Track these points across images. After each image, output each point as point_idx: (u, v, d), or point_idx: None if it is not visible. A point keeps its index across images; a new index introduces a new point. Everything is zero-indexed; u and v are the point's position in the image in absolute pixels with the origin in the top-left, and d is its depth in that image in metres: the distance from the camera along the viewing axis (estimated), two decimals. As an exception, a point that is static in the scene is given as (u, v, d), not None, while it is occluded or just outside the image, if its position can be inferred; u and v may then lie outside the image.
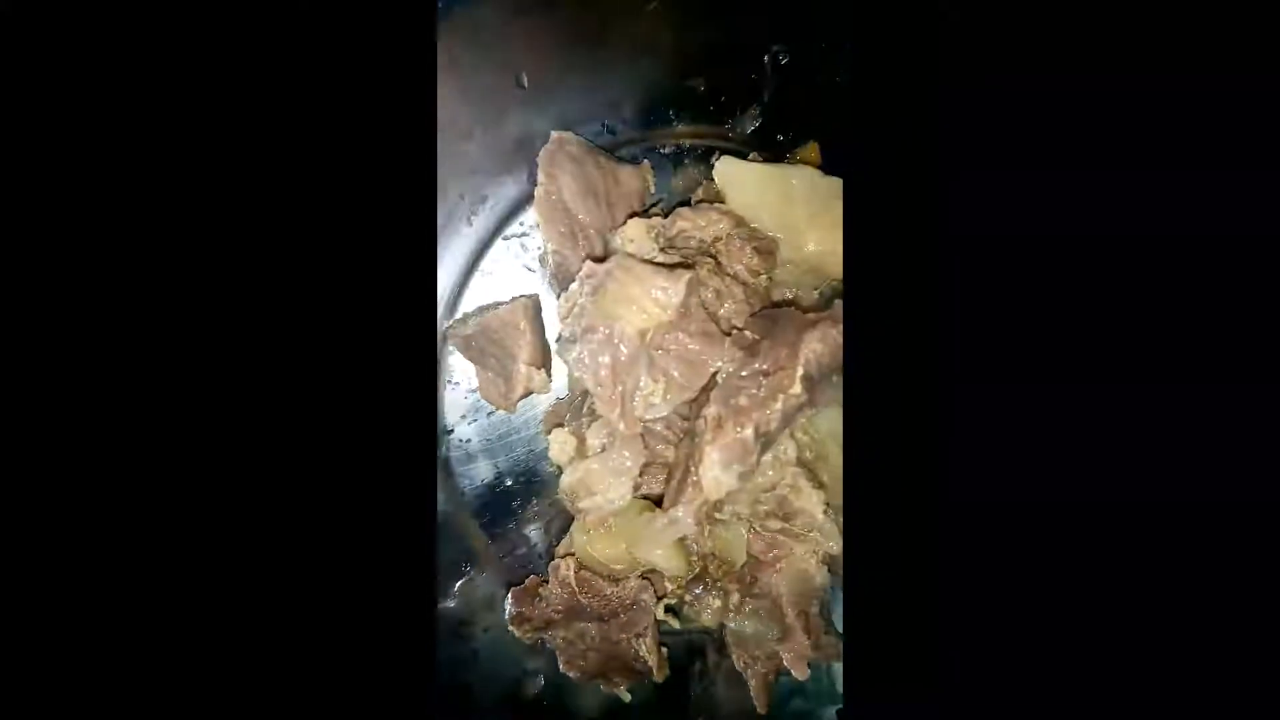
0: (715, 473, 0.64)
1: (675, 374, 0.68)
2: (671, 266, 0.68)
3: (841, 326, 0.66)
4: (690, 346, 0.68)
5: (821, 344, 0.65)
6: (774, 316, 0.71)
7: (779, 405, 0.64)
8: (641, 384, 0.67)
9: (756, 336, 0.68)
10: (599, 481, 0.69)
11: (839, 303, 0.69)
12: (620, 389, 0.67)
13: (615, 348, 0.66)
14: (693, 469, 0.65)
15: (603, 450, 0.69)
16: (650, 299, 0.65)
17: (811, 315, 0.69)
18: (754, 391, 0.65)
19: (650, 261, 0.69)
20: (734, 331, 0.69)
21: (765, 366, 0.65)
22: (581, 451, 0.71)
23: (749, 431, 0.64)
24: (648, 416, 0.69)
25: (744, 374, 0.66)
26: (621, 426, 0.67)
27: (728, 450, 0.64)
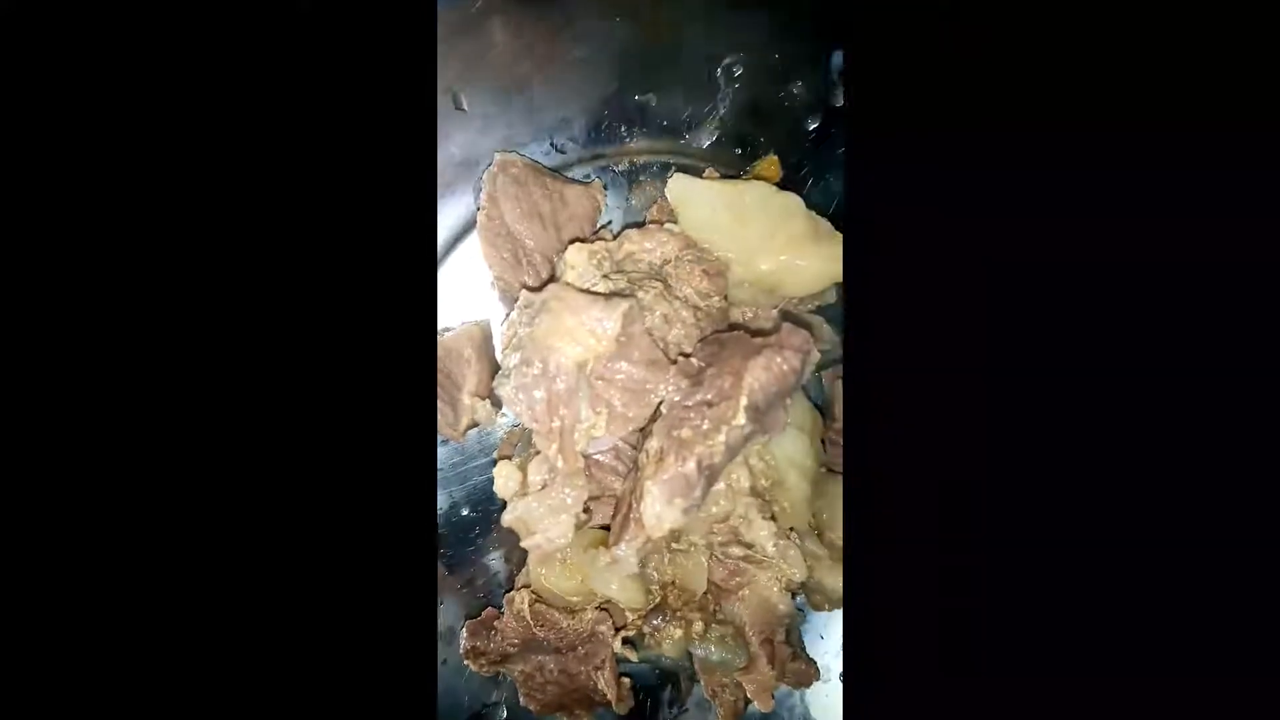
0: (657, 509, 0.62)
1: (618, 404, 0.66)
2: (609, 295, 0.66)
3: (787, 352, 0.63)
4: (634, 375, 0.66)
5: (766, 372, 0.63)
6: (721, 342, 0.69)
7: (722, 437, 0.62)
8: (582, 416, 0.65)
9: (702, 364, 0.66)
10: (539, 520, 0.67)
11: (786, 326, 0.66)
12: (557, 423, 0.64)
13: (551, 381, 0.64)
14: (635, 504, 0.63)
15: (543, 487, 0.66)
16: (585, 330, 0.63)
17: (758, 341, 0.67)
18: (697, 423, 0.63)
19: (588, 291, 0.66)
20: (680, 358, 0.67)
21: (709, 397, 0.63)
22: (524, 486, 0.68)
23: (691, 465, 0.61)
24: (590, 450, 0.66)
25: (688, 404, 0.64)
26: (560, 463, 0.65)
27: (669, 485, 0.62)
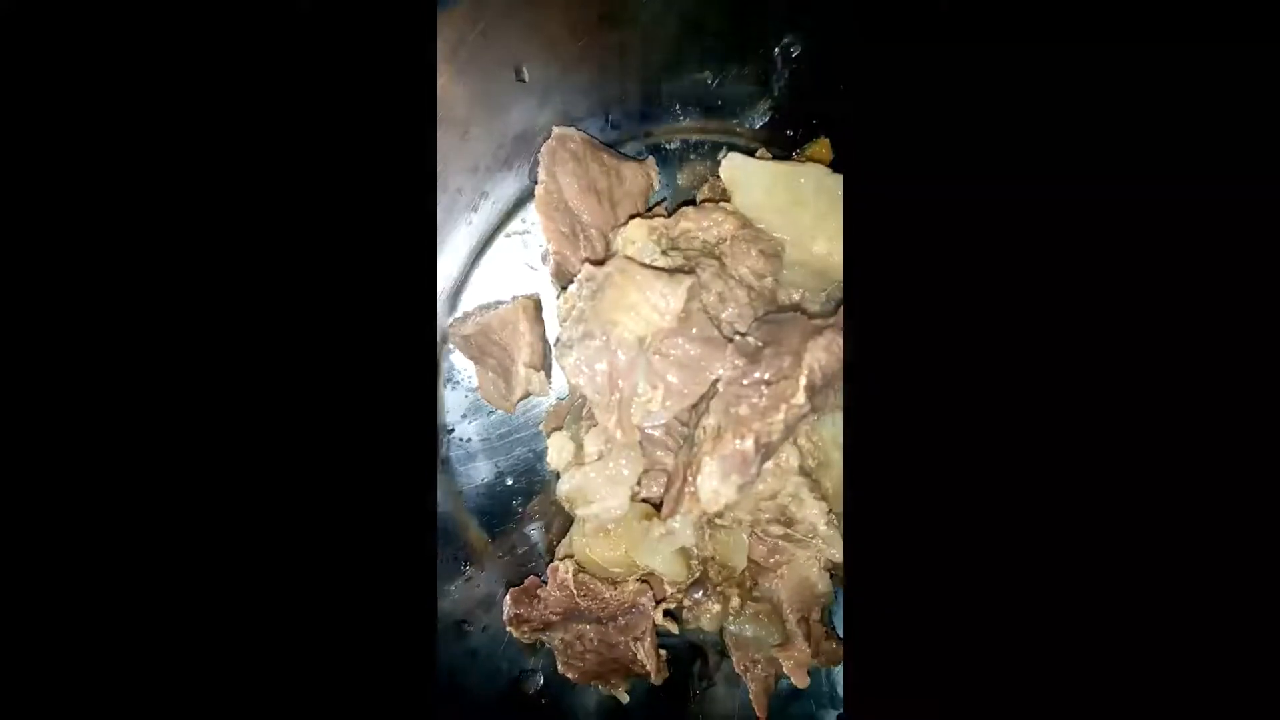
0: (713, 484, 0.62)
1: (674, 380, 0.66)
2: (672, 271, 0.66)
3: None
4: (691, 352, 0.67)
5: (826, 353, 0.63)
6: (778, 321, 0.69)
7: (781, 415, 0.63)
8: (639, 390, 0.66)
9: (759, 343, 0.66)
10: (596, 491, 0.68)
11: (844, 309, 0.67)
12: (617, 396, 0.65)
13: (613, 354, 0.64)
14: (690, 479, 0.64)
15: (600, 458, 0.67)
16: (649, 305, 0.64)
17: (817, 322, 0.67)
18: (755, 400, 0.64)
19: (651, 266, 0.67)
20: (736, 337, 0.67)
21: (768, 375, 0.63)
22: (579, 457, 0.69)
23: (749, 443, 0.62)
24: (646, 424, 0.67)
25: (745, 382, 0.65)
26: (618, 434, 0.66)
27: (726, 461, 0.63)
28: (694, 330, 0.67)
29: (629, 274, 0.64)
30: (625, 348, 0.65)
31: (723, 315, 0.71)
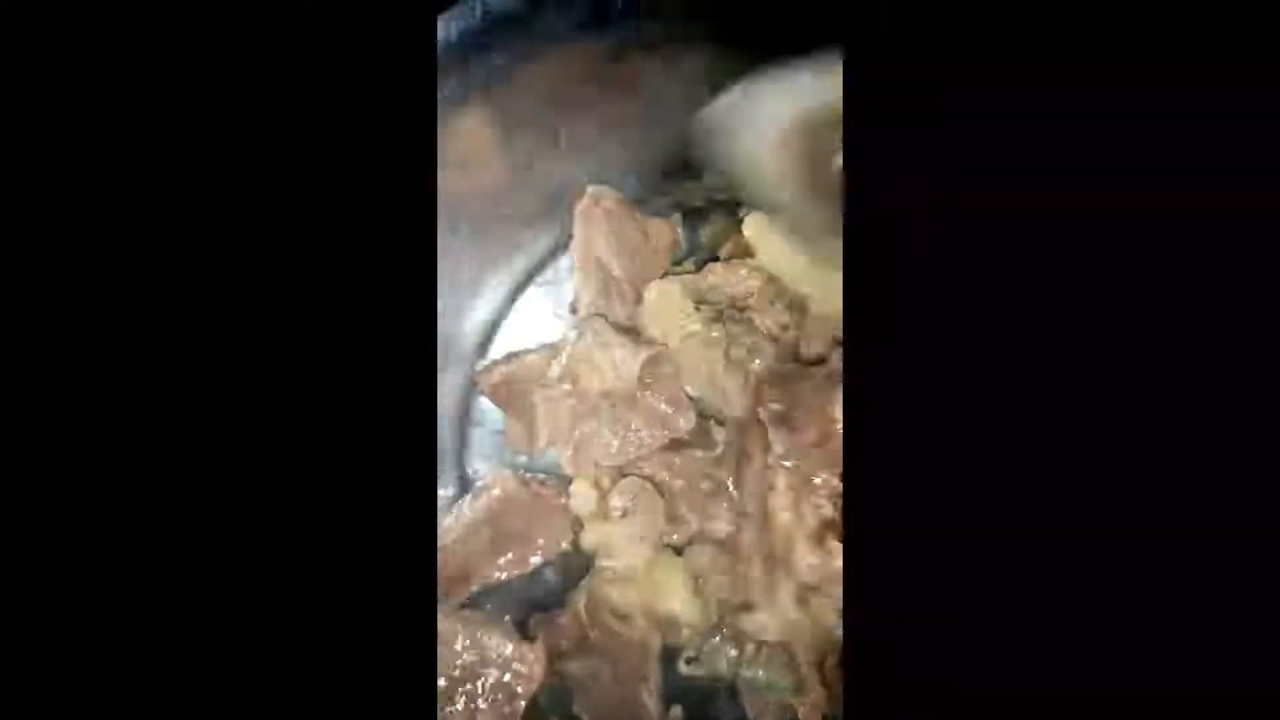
0: (811, 560, 0.68)
1: (636, 429, 0.72)
2: (639, 339, 0.74)
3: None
4: (656, 409, 0.72)
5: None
6: (787, 378, 0.73)
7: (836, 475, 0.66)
8: (601, 434, 0.71)
9: (783, 408, 0.70)
10: (619, 546, 0.71)
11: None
12: (577, 434, 0.70)
13: (578, 399, 0.71)
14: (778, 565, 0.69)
15: (624, 514, 0.70)
16: (609, 366, 0.70)
17: (824, 371, 0.71)
18: (812, 466, 0.68)
19: (628, 329, 0.74)
20: (770, 407, 0.71)
21: (814, 438, 0.67)
22: (603, 509, 0.72)
23: (826, 508, 0.66)
24: (605, 464, 0.72)
25: (793, 458, 0.69)
26: (571, 466, 0.73)
27: (814, 536, 0.67)
28: (661, 391, 0.73)
29: (598, 332, 0.70)
30: (588, 396, 0.71)
31: (751, 368, 0.74)
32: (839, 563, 0.71)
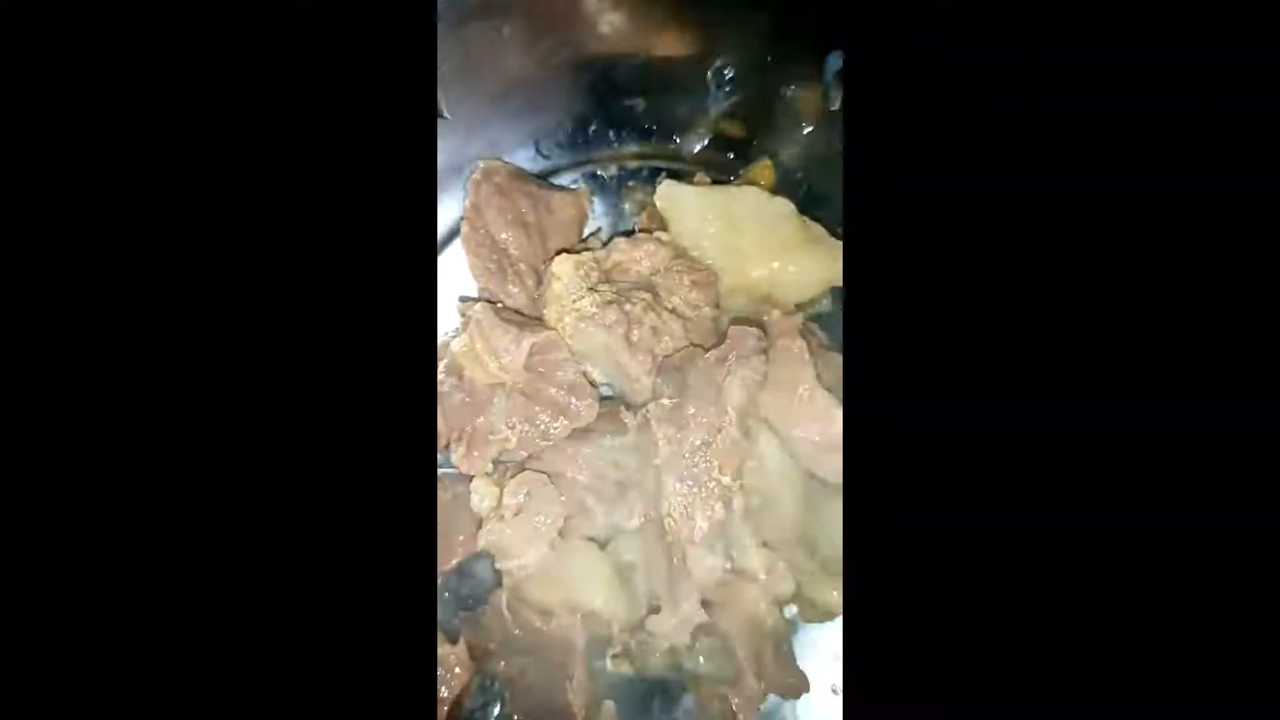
0: (709, 562, 0.65)
1: (534, 421, 0.68)
2: (524, 324, 0.69)
3: (752, 359, 0.63)
4: (556, 399, 0.68)
5: (742, 390, 0.62)
6: (679, 369, 0.68)
7: (729, 477, 0.62)
8: (496, 428, 0.67)
9: (674, 401, 0.65)
10: (514, 545, 0.66)
11: (735, 331, 0.68)
12: (470, 429, 0.67)
13: (466, 392, 0.67)
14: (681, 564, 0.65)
15: (518, 511, 0.66)
16: (491, 355, 0.66)
17: (712, 357, 0.67)
18: (704, 466, 0.64)
19: (515, 314, 0.70)
20: (656, 406, 0.67)
21: (704, 437, 0.63)
22: (500, 508, 0.68)
23: (720, 510, 0.62)
24: (501, 459, 0.69)
25: (687, 453, 0.65)
26: (466, 465, 0.69)
27: (710, 534, 0.63)
28: (558, 377, 0.68)
29: (480, 323, 0.66)
30: (477, 389, 0.67)
31: (657, 349, 0.69)
32: (747, 560, 0.67)
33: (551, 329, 0.67)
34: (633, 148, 0.83)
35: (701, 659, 0.80)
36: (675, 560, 0.64)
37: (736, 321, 0.70)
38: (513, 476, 0.68)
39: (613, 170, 0.83)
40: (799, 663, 0.81)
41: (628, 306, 0.67)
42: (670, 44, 0.79)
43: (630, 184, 0.84)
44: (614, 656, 0.78)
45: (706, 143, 0.83)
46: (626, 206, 0.84)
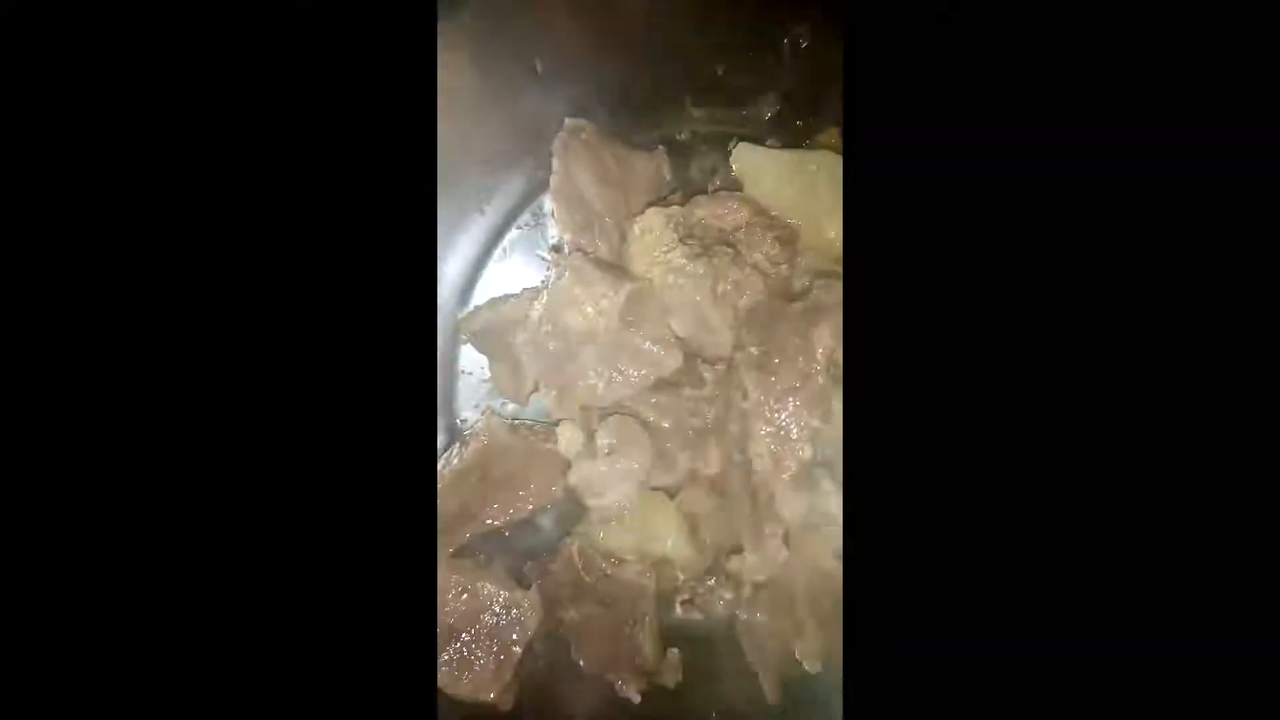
0: (794, 508, 0.67)
1: (621, 369, 0.70)
2: (621, 274, 0.71)
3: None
4: (642, 349, 0.70)
5: (834, 338, 0.64)
6: (764, 321, 0.71)
7: (818, 421, 0.64)
8: (588, 375, 0.69)
9: (760, 350, 0.68)
10: (605, 483, 0.69)
11: (821, 283, 0.71)
12: (561, 374, 0.69)
13: (560, 339, 0.69)
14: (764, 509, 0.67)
15: (609, 451, 0.68)
16: (590, 302, 0.68)
17: (797, 307, 0.69)
18: (791, 412, 0.67)
19: (611, 265, 0.71)
20: (742, 352, 0.69)
21: (795, 383, 0.65)
22: (590, 449, 0.70)
23: (807, 452, 0.64)
24: (592, 404, 0.71)
25: (774, 401, 0.68)
26: (557, 410, 0.71)
27: (796, 480, 0.66)
28: (647, 328, 0.70)
29: (579, 270, 0.68)
30: (570, 337, 0.69)
31: (739, 303, 0.71)
32: (827, 501, 0.69)
33: (645, 281, 0.69)
34: (705, 112, 0.85)
35: (759, 612, 0.83)
36: (760, 502, 0.66)
37: (819, 277, 0.72)
38: (602, 421, 0.70)
39: (685, 134, 0.86)
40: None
41: (715, 260, 0.70)
42: (746, 10, 0.81)
43: (703, 149, 0.86)
44: (683, 603, 0.80)
45: (778, 109, 0.85)
46: (695, 170, 0.87)
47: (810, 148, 0.83)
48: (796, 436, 0.66)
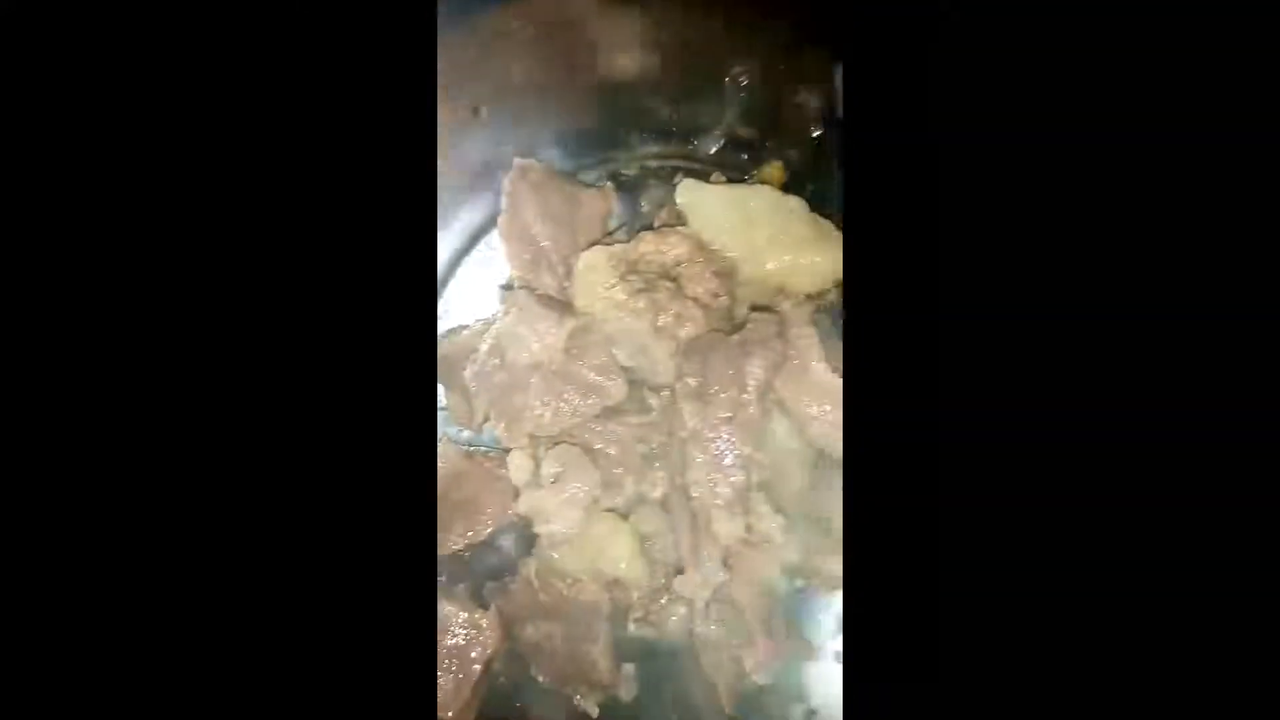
0: (729, 528, 0.70)
1: (568, 399, 0.74)
2: (564, 309, 0.74)
3: (772, 342, 0.69)
4: (586, 378, 0.74)
5: (764, 368, 0.68)
6: (703, 350, 0.74)
7: (749, 449, 0.68)
8: (535, 405, 0.73)
9: (699, 380, 0.71)
10: (552, 511, 0.72)
11: (755, 317, 0.74)
12: (509, 405, 0.72)
13: (508, 371, 0.73)
14: (704, 529, 0.70)
15: (556, 480, 0.72)
16: (536, 339, 0.71)
17: (735, 339, 0.73)
18: (727, 440, 0.70)
19: (552, 300, 0.75)
20: (683, 383, 0.72)
21: (727, 413, 0.68)
22: (538, 477, 0.74)
23: (740, 478, 0.67)
24: (536, 434, 0.75)
25: (709, 433, 0.71)
26: (505, 438, 0.74)
27: (729, 504, 0.69)
28: (590, 359, 0.74)
29: (524, 306, 0.72)
30: (517, 370, 0.73)
31: (680, 334, 0.75)
32: (764, 523, 0.73)
33: (587, 315, 0.73)
34: (652, 148, 0.89)
35: (713, 626, 0.86)
36: (699, 525, 0.69)
37: (754, 310, 0.76)
38: (548, 450, 0.73)
39: (633, 170, 0.89)
40: (805, 631, 0.86)
41: (655, 295, 0.73)
42: (691, 52, 0.85)
43: (650, 183, 0.89)
44: (635, 621, 0.84)
45: (722, 144, 0.88)
46: (646, 204, 0.90)
47: (752, 181, 0.87)
48: (730, 463, 0.70)
